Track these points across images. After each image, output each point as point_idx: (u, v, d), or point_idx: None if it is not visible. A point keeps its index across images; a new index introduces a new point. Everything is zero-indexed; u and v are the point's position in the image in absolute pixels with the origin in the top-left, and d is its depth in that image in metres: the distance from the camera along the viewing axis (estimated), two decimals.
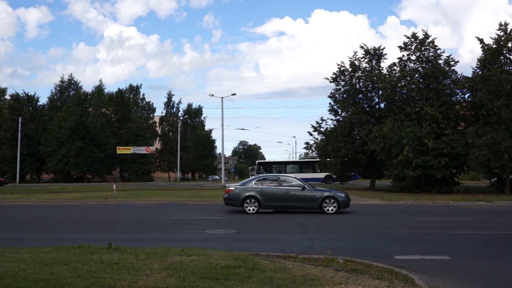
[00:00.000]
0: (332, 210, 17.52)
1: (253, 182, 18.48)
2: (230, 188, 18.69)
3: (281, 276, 6.62)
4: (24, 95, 69.81)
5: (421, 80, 32.52)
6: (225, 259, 7.72)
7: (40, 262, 7.41)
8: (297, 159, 56.87)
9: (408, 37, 33.95)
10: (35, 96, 70.81)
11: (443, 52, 33.48)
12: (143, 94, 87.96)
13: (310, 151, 41.87)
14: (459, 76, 33.43)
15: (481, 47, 30.46)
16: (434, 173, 29.83)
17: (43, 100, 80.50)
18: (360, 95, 37.33)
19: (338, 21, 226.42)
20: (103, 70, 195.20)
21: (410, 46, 33.93)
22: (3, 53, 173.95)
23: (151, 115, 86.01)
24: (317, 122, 39.01)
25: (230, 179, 79.03)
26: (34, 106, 70.85)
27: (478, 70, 31.80)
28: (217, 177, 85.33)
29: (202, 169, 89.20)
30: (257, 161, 56.23)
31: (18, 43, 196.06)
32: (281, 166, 54.86)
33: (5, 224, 15.49)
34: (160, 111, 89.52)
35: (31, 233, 13.20)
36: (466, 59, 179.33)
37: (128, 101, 75.61)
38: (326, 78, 38.07)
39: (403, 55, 34.52)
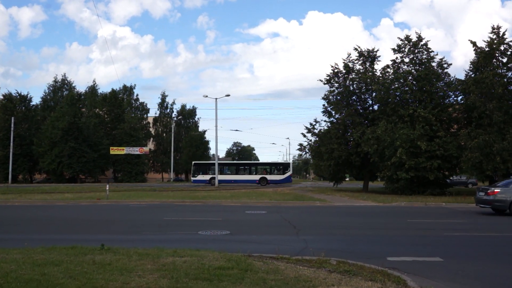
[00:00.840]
0: None
1: None
2: (495, 190, 17.70)
3: (274, 278, 6.63)
4: (17, 95, 69.40)
5: (414, 82, 32.68)
6: (218, 260, 7.72)
7: (32, 263, 7.37)
8: (233, 161, 57.89)
9: (401, 40, 34.17)
10: (28, 96, 70.46)
11: (436, 54, 33.77)
12: (137, 95, 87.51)
13: (304, 152, 41.98)
14: (452, 79, 33.66)
15: (474, 50, 30.66)
16: (427, 175, 29.97)
17: (36, 100, 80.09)
18: (353, 97, 37.47)
19: (332, 22, 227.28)
20: (96, 70, 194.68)
21: (403, 49, 34.12)
22: None
23: (145, 115, 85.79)
24: (310, 124, 39.15)
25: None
26: (27, 106, 70.43)
27: (471, 73, 32.02)
28: None
29: None
30: (193, 162, 55.80)
31: (11, 42, 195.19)
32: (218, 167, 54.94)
33: None
34: (153, 112, 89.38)
35: (23, 233, 13.12)
36: (459, 61, 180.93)
37: (121, 101, 75.37)
38: (320, 80, 38.27)
39: (397, 57, 34.74)
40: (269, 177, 51.58)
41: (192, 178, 53.41)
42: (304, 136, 39.43)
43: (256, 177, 51.55)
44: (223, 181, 50.88)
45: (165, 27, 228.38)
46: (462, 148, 29.60)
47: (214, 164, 55.14)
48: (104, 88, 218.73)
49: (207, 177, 51.76)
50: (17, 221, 16.41)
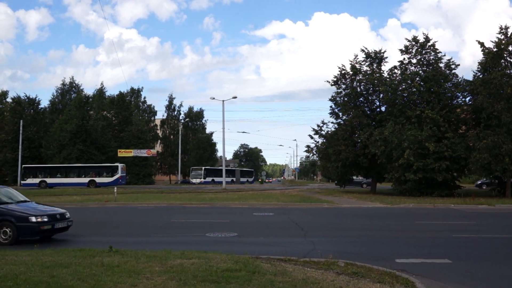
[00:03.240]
0: None
1: None
2: None
3: (281, 279, 6.63)
4: (26, 98, 69.84)
5: (422, 83, 32.54)
6: (225, 262, 7.73)
7: (41, 265, 7.42)
8: (64, 164, 56.66)
9: (409, 40, 34.02)
10: (37, 99, 70.85)
11: (444, 55, 33.55)
12: (144, 97, 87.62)
13: (311, 154, 41.85)
14: (460, 80, 33.46)
15: (482, 51, 30.47)
16: (435, 177, 29.80)
17: (44, 103, 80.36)
18: (361, 98, 37.39)
19: (338, 23, 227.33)
20: (103, 72, 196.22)
21: (411, 50, 33.97)
22: (3, 56, 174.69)
23: (152, 118, 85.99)
24: (318, 125, 39.08)
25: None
26: (36, 109, 70.82)
27: (479, 74, 31.82)
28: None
29: None
30: (23, 166, 54.34)
31: (18, 45, 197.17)
32: (47, 171, 53.91)
33: None
34: (161, 114, 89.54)
35: None
36: (468, 62, 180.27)
37: (129, 104, 75.61)
38: (327, 81, 38.24)
39: (404, 58, 34.58)
40: (98, 179, 51.29)
41: (22, 182, 51.97)
42: (312, 137, 39.40)
43: (85, 180, 51.25)
44: (53, 185, 50.21)
45: (172, 29, 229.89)
46: (470, 149, 29.40)
47: (43, 167, 54.38)
48: (111, 90, 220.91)
49: (36, 180, 51.19)
50: None
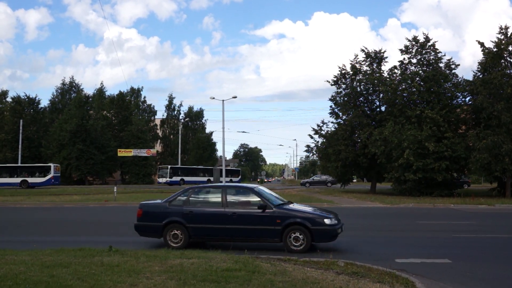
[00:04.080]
0: None
1: None
2: None
3: (281, 279, 6.62)
4: (26, 97, 69.85)
5: (421, 83, 32.54)
6: (225, 262, 7.72)
7: (41, 265, 7.41)
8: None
9: (409, 40, 34.03)
10: (37, 98, 70.84)
11: (444, 55, 33.59)
12: (144, 97, 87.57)
13: (311, 154, 41.88)
14: (460, 80, 33.47)
15: (482, 51, 30.48)
16: (435, 176, 29.81)
17: (44, 102, 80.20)
18: (361, 98, 37.39)
19: (338, 23, 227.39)
20: (102, 72, 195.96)
21: (411, 49, 33.97)
22: (2, 55, 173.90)
23: (152, 117, 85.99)
24: (318, 125, 39.10)
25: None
26: (36, 109, 70.83)
27: (479, 74, 31.83)
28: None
29: None
30: None
31: (18, 45, 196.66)
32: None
33: (6, 227, 15.49)
34: (161, 114, 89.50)
35: (31, 235, 13.20)
36: (468, 61, 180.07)
37: (129, 103, 75.59)
38: (327, 81, 38.24)
39: (404, 58, 34.60)
40: (30, 179, 50.62)
41: None
42: (311, 137, 39.42)
43: (17, 180, 50.53)
44: None
45: (171, 29, 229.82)
46: (470, 149, 29.41)
47: None
48: (111, 90, 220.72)
49: None
50: (25, 223, 16.51)
